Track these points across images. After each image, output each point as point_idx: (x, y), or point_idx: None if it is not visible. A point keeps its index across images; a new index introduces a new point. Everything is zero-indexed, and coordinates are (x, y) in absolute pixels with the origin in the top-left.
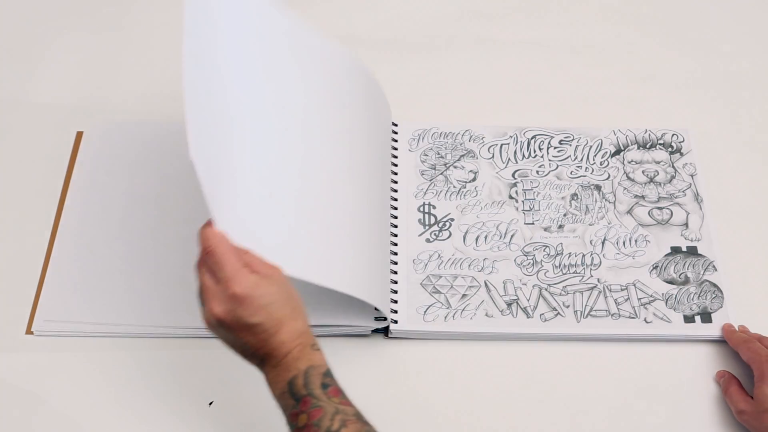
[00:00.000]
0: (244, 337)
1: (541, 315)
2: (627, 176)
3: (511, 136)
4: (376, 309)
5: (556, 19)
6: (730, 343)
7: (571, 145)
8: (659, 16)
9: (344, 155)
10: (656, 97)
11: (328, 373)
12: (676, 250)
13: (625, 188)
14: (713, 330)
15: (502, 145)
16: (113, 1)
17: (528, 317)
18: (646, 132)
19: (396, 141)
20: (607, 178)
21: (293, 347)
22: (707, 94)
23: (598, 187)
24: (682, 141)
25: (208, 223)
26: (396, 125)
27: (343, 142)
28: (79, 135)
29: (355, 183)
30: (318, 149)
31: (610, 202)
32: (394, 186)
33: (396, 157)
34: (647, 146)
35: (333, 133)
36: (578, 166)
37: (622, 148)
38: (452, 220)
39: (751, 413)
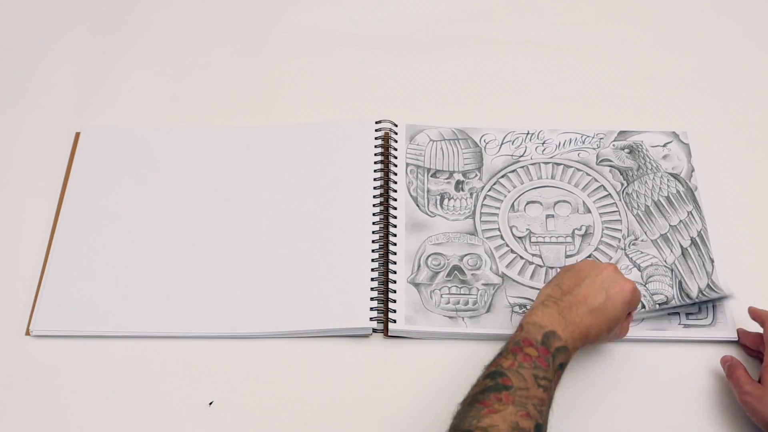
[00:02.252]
0: None
1: None
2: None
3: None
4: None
5: (556, 19)
6: (754, 315)
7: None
8: (659, 16)
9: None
10: (656, 97)
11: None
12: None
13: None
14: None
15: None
16: (113, 1)
17: None
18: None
19: (396, 141)
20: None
21: None
22: (707, 94)
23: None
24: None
25: None
26: (396, 125)
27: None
28: (78, 135)
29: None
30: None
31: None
32: (394, 186)
33: (396, 157)
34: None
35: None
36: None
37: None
38: None
39: (756, 395)
